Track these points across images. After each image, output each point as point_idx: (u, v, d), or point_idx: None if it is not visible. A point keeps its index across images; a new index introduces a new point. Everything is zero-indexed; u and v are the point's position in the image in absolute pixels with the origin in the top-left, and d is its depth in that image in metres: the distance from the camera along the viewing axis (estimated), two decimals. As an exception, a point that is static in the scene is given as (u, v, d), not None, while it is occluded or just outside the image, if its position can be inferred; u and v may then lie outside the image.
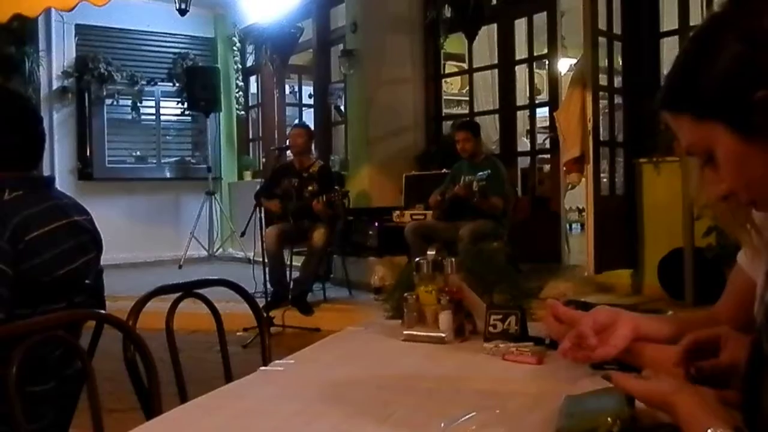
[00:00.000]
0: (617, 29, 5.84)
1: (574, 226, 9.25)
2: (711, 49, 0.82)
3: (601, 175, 5.77)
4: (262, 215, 6.04)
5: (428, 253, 1.71)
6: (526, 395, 1.21)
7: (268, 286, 5.87)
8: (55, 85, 9.06)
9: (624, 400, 0.99)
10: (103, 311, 1.71)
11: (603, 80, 5.78)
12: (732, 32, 0.81)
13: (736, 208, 0.91)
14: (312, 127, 7.37)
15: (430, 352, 1.57)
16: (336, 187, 6.06)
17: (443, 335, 1.62)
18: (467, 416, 0.99)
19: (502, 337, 1.57)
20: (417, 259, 1.73)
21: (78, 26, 9.06)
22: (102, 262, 1.98)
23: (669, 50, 5.80)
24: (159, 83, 9.74)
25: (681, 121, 0.87)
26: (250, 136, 10.31)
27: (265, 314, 5.35)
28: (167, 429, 1.15)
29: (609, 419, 0.95)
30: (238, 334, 4.76)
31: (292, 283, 6.06)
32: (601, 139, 5.69)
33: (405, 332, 1.67)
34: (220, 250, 9.55)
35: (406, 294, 1.71)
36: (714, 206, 0.92)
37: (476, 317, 1.68)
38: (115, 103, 9.44)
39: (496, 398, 1.19)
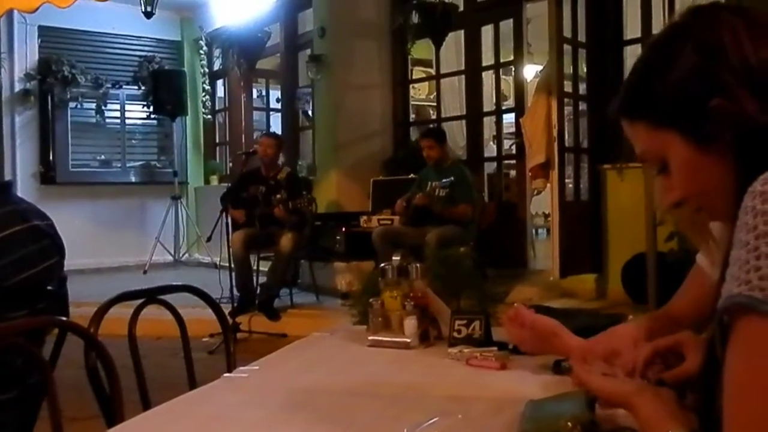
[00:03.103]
0: (582, 37, 5.92)
1: (540, 231, 9.35)
2: (668, 58, 0.84)
3: (566, 180, 5.84)
4: (229, 220, 6.00)
5: (393, 258, 1.72)
6: (489, 400, 1.22)
7: (235, 291, 5.83)
8: (18, 87, 8.89)
9: (584, 403, 1.01)
10: (65, 318, 1.68)
11: (568, 87, 5.85)
12: (689, 43, 0.83)
13: (695, 216, 0.93)
14: (281, 134, 7.35)
15: (395, 357, 1.58)
16: (304, 193, 6.05)
17: (408, 341, 1.63)
18: (429, 422, 0.99)
19: (466, 342, 1.58)
20: (382, 264, 1.73)
21: (41, 28, 8.91)
22: (65, 268, 1.95)
23: (633, 57, 5.85)
24: (124, 86, 9.62)
25: (636, 128, 0.88)
26: (217, 141, 10.24)
27: (231, 320, 5.35)
28: (129, 437, 1.14)
29: (569, 423, 0.96)
30: (204, 340, 4.72)
31: (258, 288, 6.03)
32: (566, 145, 5.76)
33: (370, 338, 1.67)
34: (186, 255, 9.45)
35: (371, 300, 1.71)
36: (675, 214, 0.94)
37: (441, 322, 1.69)
38: (79, 106, 9.30)
39: (459, 403, 1.20)
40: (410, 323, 1.64)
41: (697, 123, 0.80)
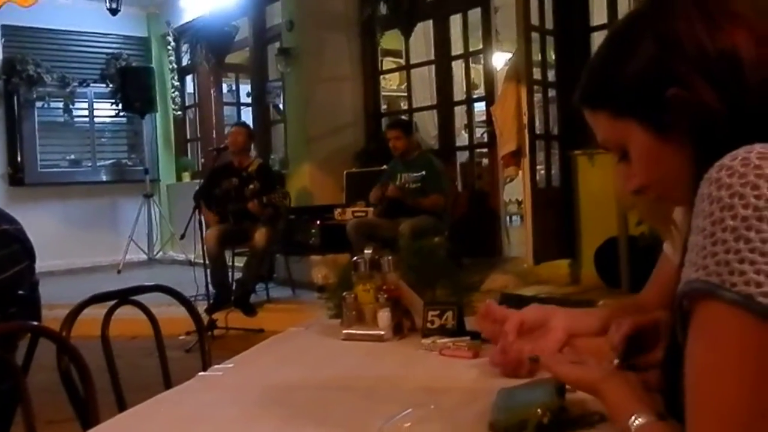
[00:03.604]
0: (549, 24, 5.95)
1: (514, 218, 9.40)
2: (627, 49, 0.85)
3: (538, 167, 5.87)
4: (202, 217, 5.97)
5: (365, 252, 1.73)
6: (462, 390, 1.23)
7: (211, 288, 5.81)
8: (-18, 88, 8.77)
9: (554, 391, 1.03)
10: (35, 323, 1.67)
11: (537, 74, 5.88)
12: (648, 32, 0.84)
13: (656, 204, 0.94)
14: (251, 126, 7.32)
15: (369, 350, 1.59)
16: (277, 187, 6.03)
17: (382, 333, 1.64)
18: (402, 414, 1.01)
19: (439, 332, 1.60)
20: (354, 258, 1.74)
21: (4, 27, 8.78)
22: (37, 270, 1.94)
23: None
24: (92, 84, 9.51)
25: (597, 116, 0.89)
26: (188, 137, 10.16)
27: (208, 317, 5.32)
28: (103, 440, 1.13)
29: (539, 410, 0.98)
30: (180, 338, 4.69)
31: (234, 284, 6.02)
32: (537, 132, 5.79)
33: (344, 332, 1.68)
34: (161, 253, 9.39)
35: (344, 293, 1.72)
36: (637, 202, 0.95)
37: (414, 314, 1.70)
38: (46, 105, 9.18)
39: (432, 394, 1.21)
40: (383, 316, 1.65)
41: (655, 113, 0.82)
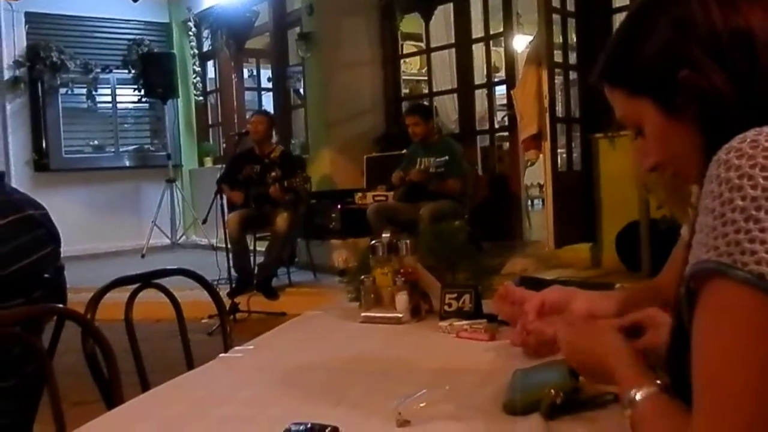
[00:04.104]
0: (571, 6, 5.89)
1: (536, 201, 9.36)
2: (645, 30, 0.86)
3: (559, 151, 5.85)
4: (224, 202, 6.02)
5: (383, 235, 1.74)
6: (477, 371, 1.25)
7: (233, 272, 5.87)
8: (7, 75, 8.84)
9: (568, 372, 1.04)
10: (61, 305, 1.71)
11: (558, 57, 5.84)
12: (665, 15, 0.85)
13: (673, 184, 0.95)
14: (272, 113, 7.34)
15: (387, 333, 1.61)
16: (299, 171, 6.06)
17: (400, 316, 1.66)
18: (417, 395, 1.02)
19: (456, 315, 1.61)
20: (372, 242, 1.76)
21: (27, 14, 8.85)
22: (62, 254, 1.97)
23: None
24: (114, 71, 9.56)
25: (615, 94, 0.91)
26: (210, 122, 10.21)
27: (230, 300, 5.37)
28: (126, 419, 1.16)
29: (552, 391, 0.99)
30: (203, 321, 4.75)
31: (256, 268, 6.06)
32: (558, 115, 5.76)
33: (362, 314, 1.70)
34: (183, 237, 9.47)
35: (362, 277, 1.74)
36: (656, 185, 0.96)
37: (432, 297, 1.72)
38: (69, 92, 9.26)
39: (448, 376, 1.23)
40: (401, 299, 1.67)
41: (667, 93, 0.83)
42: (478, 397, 1.09)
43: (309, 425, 0.97)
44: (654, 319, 1.07)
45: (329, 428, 0.96)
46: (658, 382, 0.84)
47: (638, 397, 0.83)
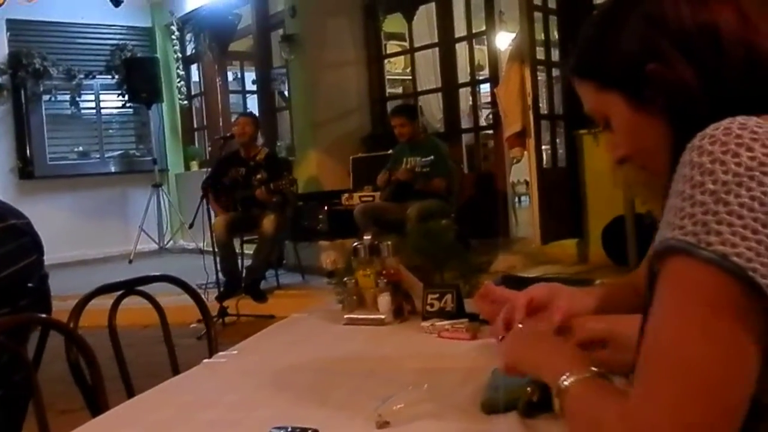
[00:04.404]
0: (552, 3, 5.93)
1: (522, 198, 9.40)
2: (617, 23, 0.88)
3: (543, 147, 5.88)
4: (210, 205, 6.01)
5: (364, 237, 1.75)
6: (458, 370, 1.26)
7: (221, 276, 5.86)
8: (-11, 82, 8.82)
9: None
10: (45, 315, 1.71)
11: (540, 54, 5.86)
12: (636, 11, 0.86)
13: (648, 182, 0.97)
14: (257, 115, 7.34)
15: (370, 334, 1.62)
16: (285, 174, 6.06)
17: (382, 317, 1.67)
18: (397, 396, 1.03)
19: (439, 315, 1.63)
20: (354, 244, 1.77)
21: (9, 21, 8.81)
22: (49, 262, 1.98)
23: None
24: (98, 76, 9.54)
25: (585, 87, 0.93)
26: (195, 126, 10.19)
27: (219, 304, 5.35)
28: (111, 425, 1.17)
29: (529, 389, 1.01)
30: (191, 326, 4.74)
31: (244, 271, 6.06)
32: (541, 112, 5.79)
33: (346, 316, 1.71)
34: (171, 242, 9.45)
35: (345, 279, 1.75)
36: (625, 174, 0.97)
37: (414, 297, 1.73)
38: (53, 98, 9.23)
39: (430, 375, 1.24)
40: (384, 300, 1.68)
41: (636, 86, 0.84)
42: (458, 396, 1.10)
43: (290, 429, 0.98)
44: (612, 332, 1.09)
45: (309, 431, 0.97)
46: (594, 369, 0.83)
47: (567, 382, 0.82)
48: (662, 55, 0.82)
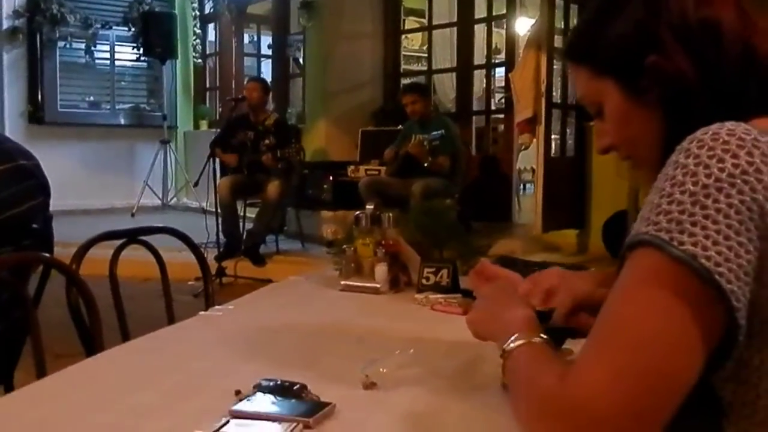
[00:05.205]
0: (574, -8, 5.89)
1: (527, 186, 9.40)
2: (617, 9, 0.88)
3: (553, 136, 5.88)
4: (216, 166, 6.03)
5: (367, 207, 1.78)
6: (446, 342, 1.29)
7: (221, 236, 5.90)
8: (5, 25, 8.78)
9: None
10: (47, 255, 1.74)
11: (558, 42, 5.84)
12: None
13: (649, 173, 0.98)
14: (268, 80, 7.33)
15: (364, 302, 1.65)
16: (293, 141, 6.07)
17: (378, 286, 1.70)
18: (385, 358, 1.06)
19: (433, 289, 1.66)
20: (356, 213, 1.79)
21: (29, -35, 8.78)
22: (53, 208, 2.00)
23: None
24: (114, 27, 9.50)
25: (579, 72, 0.92)
26: (207, 86, 10.17)
27: (217, 264, 5.39)
28: (104, 367, 1.20)
29: None
30: (189, 283, 4.77)
31: (245, 234, 6.10)
32: (554, 101, 5.78)
33: (342, 282, 1.74)
34: (174, 199, 9.48)
35: (344, 246, 1.78)
36: (632, 171, 0.98)
37: (411, 270, 1.76)
38: (68, 45, 9.21)
39: (417, 344, 1.27)
40: (381, 269, 1.71)
41: (633, 76, 0.85)
42: (443, 365, 1.13)
43: (279, 381, 1.01)
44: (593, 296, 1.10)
45: (298, 385, 1.00)
46: (543, 336, 0.84)
47: (513, 345, 0.83)
48: (662, 46, 0.82)
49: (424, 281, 1.69)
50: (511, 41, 7.26)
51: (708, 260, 0.68)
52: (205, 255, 2.13)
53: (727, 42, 0.81)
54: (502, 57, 7.84)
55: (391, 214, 1.77)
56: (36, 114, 9.02)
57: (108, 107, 9.71)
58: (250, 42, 10.30)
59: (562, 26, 5.89)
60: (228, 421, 0.89)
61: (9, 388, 1.81)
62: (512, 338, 0.84)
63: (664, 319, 0.69)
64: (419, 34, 9.18)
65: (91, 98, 9.68)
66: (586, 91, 0.92)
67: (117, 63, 9.72)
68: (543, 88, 5.60)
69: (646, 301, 0.70)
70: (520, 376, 0.80)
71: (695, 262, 0.68)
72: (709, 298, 0.69)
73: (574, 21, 6.01)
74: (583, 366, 0.71)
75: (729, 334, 0.70)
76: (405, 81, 7.92)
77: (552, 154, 5.86)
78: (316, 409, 0.93)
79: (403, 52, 8.37)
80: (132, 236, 1.86)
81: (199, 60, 9.97)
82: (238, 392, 0.98)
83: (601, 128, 0.92)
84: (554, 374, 0.73)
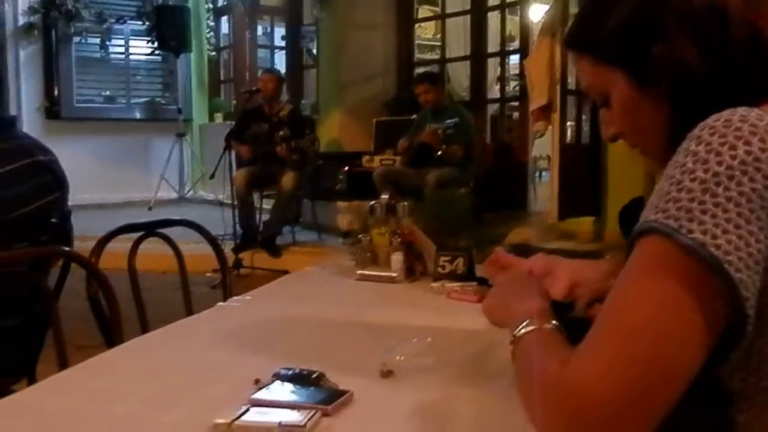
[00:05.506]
0: (588, -22, 5.84)
1: (543, 174, 9.37)
2: None
3: (568, 123, 5.84)
4: (232, 158, 6.05)
5: (382, 197, 1.78)
6: (462, 330, 1.30)
7: (238, 228, 5.92)
8: (21, 21, 8.84)
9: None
10: (67, 248, 1.76)
11: (573, 29, 5.80)
12: None
13: (658, 161, 0.97)
14: (282, 72, 7.33)
15: (380, 291, 1.66)
16: (307, 132, 6.07)
17: (394, 275, 1.71)
18: (403, 345, 1.07)
19: (449, 277, 1.66)
20: (372, 202, 1.80)
21: (44, -39, 8.83)
22: (70, 203, 2.01)
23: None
24: (128, 21, 9.54)
25: (584, 62, 0.91)
26: (222, 78, 10.20)
27: (234, 256, 5.42)
28: (125, 358, 1.22)
29: None
30: (207, 275, 4.80)
31: (261, 225, 6.12)
32: (569, 88, 5.75)
33: (358, 272, 1.75)
34: (191, 192, 9.53)
35: (360, 236, 1.79)
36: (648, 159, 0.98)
37: (427, 259, 1.77)
38: (83, 40, 9.25)
39: (434, 332, 1.27)
40: (397, 258, 1.72)
41: (639, 65, 0.83)
42: (459, 354, 1.14)
43: (297, 370, 1.02)
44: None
45: (316, 374, 1.01)
46: (554, 323, 0.82)
47: (523, 331, 0.82)
48: (667, 35, 0.81)
49: (440, 269, 1.69)
50: (525, 28, 7.21)
51: (717, 249, 0.67)
52: (222, 247, 2.15)
53: (734, 27, 0.80)
54: (516, 44, 7.80)
55: (405, 204, 1.77)
56: (52, 109, 9.09)
57: (123, 101, 9.76)
58: (263, 34, 10.31)
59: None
60: (248, 409, 0.90)
61: (32, 381, 1.84)
62: (523, 324, 0.83)
63: (664, 307, 0.68)
64: (432, 23, 9.15)
65: (107, 93, 9.73)
66: (591, 81, 0.91)
67: (132, 57, 9.75)
68: (558, 75, 5.57)
69: (649, 289, 0.69)
70: (527, 361, 0.80)
71: (704, 250, 0.67)
72: (717, 288, 0.67)
73: (588, 7, 5.97)
74: (583, 352, 0.70)
75: (736, 324, 0.69)
76: (419, 70, 7.90)
77: (567, 141, 5.83)
78: (334, 396, 0.94)
79: (416, 41, 8.34)
80: (150, 229, 1.88)
81: (213, 53, 10.00)
82: (257, 381, 0.99)
83: (608, 117, 0.91)
84: (558, 360, 0.72)
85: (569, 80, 5.76)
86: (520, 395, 0.78)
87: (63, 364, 1.48)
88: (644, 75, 0.83)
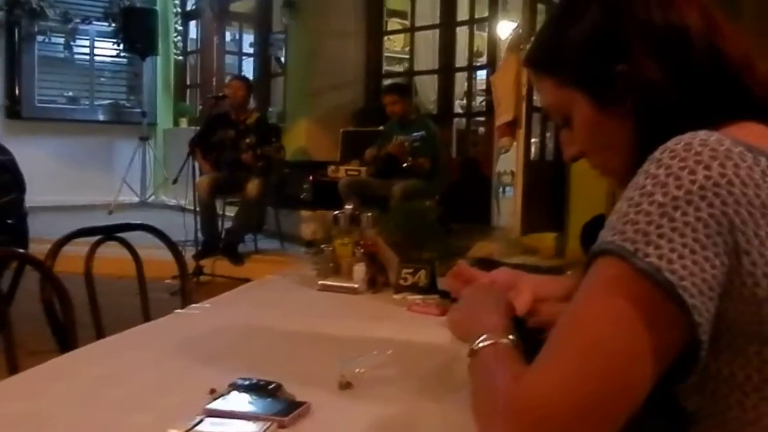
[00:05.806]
0: (556, -3, 5.93)
1: (507, 189, 9.43)
2: (577, 15, 0.86)
3: (533, 140, 5.89)
4: (196, 164, 6.00)
5: (345, 207, 1.78)
6: (423, 343, 1.29)
7: (199, 234, 5.86)
8: (-17, 17, 8.69)
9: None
10: (21, 250, 1.72)
11: (539, 47, 5.86)
12: (597, 2, 0.85)
13: (619, 181, 0.97)
14: (250, 79, 7.30)
15: (342, 301, 1.65)
16: (273, 140, 6.04)
17: (356, 286, 1.70)
18: (363, 357, 1.06)
19: (411, 290, 1.66)
20: (335, 213, 1.79)
21: (9, -43, 8.68)
22: (29, 204, 1.98)
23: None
24: (94, 22, 9.41)
25: (543, 81, 0.90)
26: (188, 83, 10.11)
27: (195, 262, 5.35)
28: (77, 364, 1.19)
29: None
30: (166, 281, 4.73)
31: (223, 232, 6.07)
32: (534, 105, 5.80)
33: (320, 282, 1.74)
34: (153, 197, 9.41)
35: (323, 245, 1.77)
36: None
37: (389, 270, 1.76)
38: (46, 40, 9.10)
39: (395, 345, 1.27)
40: (359, 269, 1.71)
41: (602, 85, 0.83)
42: (420, 367, 1.13)
43: (254, 380, 1.01)
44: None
45: (273, 384, 0.99)
46: (511, 337, 0.82)
47: (481, 344, 0.81)
48: (629, 54, 0.80)
49: (402, 281, 1.69)
50: (492, 44, 7.28)
51: (672, 274, 0.67)
52: (183, 253, 2.12)
53: (696, 47, 0.80)
54: (483, 60, 7.87)
55: (369, 214, 1.77)
56: (13, 108, 8.92)
57: (87, 103, 9.62)
58: (232, 40, 10.25)
59: (544, 31, 5.92)
60: (202, 420, 0.89)
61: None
62: (481, 338, 0.82)
63: (619, 325, 0.68)
64: (401, 36, 9.19)
65: (70, 93, 9.57)
66: (552, 101, 0.90)
67: (96, 58, 9.62)
68: (524, 91, 5.62)
69: (603, 308, 0.69)
70: (481, 375, 0.79)
71: (659, 275, 0.67)
72: (672, 312, 0.67)
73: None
74: (540, 366, 0.70)
75: (692, 347, 0.69)
76: (387, 82, 7.92)
77: (532, 158, 5.88)
78: (291, 408, 0.93)
79: (385, 54, 8.37)
80: (108, 233, 1.84)
81: (180, 57, 9.92)
82: (213, 391, 0.98)
83: (569, 137, 0.90)
84: (511, 375, 0.72)
85: (535, 97, 5.82)
86: (474, 409, 0.77)
87: (13, 369, 1.44)
88: (607, 94, 0.83)
